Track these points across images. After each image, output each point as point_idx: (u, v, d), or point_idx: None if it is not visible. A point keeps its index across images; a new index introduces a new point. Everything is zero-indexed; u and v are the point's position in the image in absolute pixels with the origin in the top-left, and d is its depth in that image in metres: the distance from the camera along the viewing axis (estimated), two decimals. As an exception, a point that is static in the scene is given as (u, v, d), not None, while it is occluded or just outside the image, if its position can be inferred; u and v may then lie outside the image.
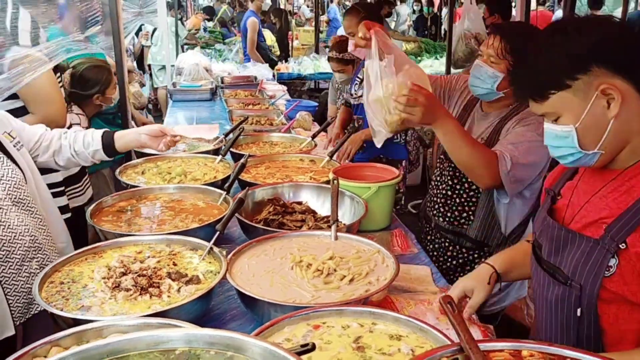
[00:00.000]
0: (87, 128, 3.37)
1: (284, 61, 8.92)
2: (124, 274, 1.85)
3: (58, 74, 3.38)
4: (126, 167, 3.02)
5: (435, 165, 2.90)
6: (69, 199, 3.11)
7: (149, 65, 9.79)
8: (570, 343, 1.53)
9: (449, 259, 2.71)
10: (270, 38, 9.57)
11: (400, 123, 2.23)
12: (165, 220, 2.37)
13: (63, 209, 2.84)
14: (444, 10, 10.63)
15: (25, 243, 2.10)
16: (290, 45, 11.69)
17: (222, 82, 6.55)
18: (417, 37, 10.72)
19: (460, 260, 2.68)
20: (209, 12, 13.19)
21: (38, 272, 2.06)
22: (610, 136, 1.44)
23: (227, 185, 2.55)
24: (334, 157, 3.16)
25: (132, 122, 4.65)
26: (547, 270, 1.63)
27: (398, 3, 14.87)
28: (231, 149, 3.26)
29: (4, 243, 2.04)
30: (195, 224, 2.29)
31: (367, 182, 2.57)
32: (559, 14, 9.29)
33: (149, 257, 1.99)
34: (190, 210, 2.47)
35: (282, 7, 15.06)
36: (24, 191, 2.16)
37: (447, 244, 2.72)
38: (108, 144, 2.41)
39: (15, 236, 2.07)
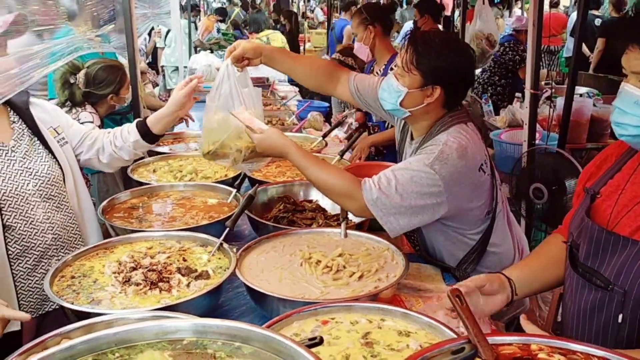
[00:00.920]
0: (99, 127, 3.40)
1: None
2: (134, 268, 1.86)
3: (73, 74, 3.44)
4: (138, 165, 3.05)
5: None
6: None
7: (162, 67, 9.85)
8: None
9: None
10: (281, 40, 9.58)
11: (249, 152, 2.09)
12: (175, 217, 2.38)
13: None
14: (456, 12, 10.60)
15: (46, 240, 2.13)
16: (303, 47, 11.72)
17: (234, 83, 6.55)
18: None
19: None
20: (222, 13, 13.23)
21: None
22: None
23: (237, 182, 2.56)
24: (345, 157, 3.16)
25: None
26: (582, 275, 1.55)
27: (405, 6, 14.80)
28: (242, 148, 3.27)
29: (24, 238, 2.07)
30: (206, 221, 2.30)
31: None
32: (574, 16, 9.23)
33: (159, 252, 2.00)
34: (201, 207, 2.49)
35: (294, 9, 15.10)
36: (59, 187, 2.19)
37: None
38: (145, 132, 2.39)
39: (37, 232, 2.10)
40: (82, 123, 3.05)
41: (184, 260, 1.95)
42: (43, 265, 2.12)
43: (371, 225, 2.39)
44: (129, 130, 2.40)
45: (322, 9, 19.83)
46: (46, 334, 1.42)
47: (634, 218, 1.45)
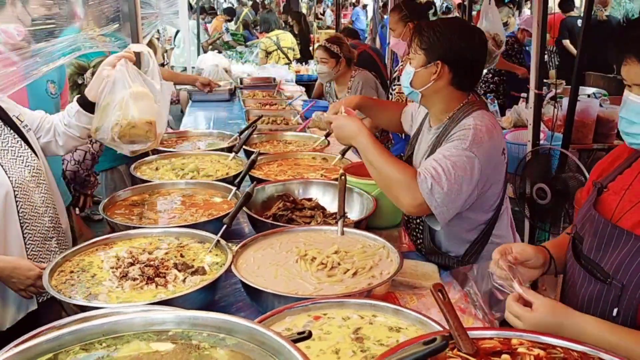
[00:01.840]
0: None
1: (303, 63, 8.96)
2: (132, 264, 1.89)
3: (80, 75, 3.48)
4: (141, 163, 3.08)
5: None
6: None
7: (172, 67, 9.92)
8: None
9: None
10: (290, 40, 9.61)
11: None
12: (175, 214, 2.41)
13: None
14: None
15: (45, 223, 2.25)
16: (312, 47, 11.73)
17: (241, 83, 6.61)
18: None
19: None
20: (230, 13, 13.26)
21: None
22: None
23: (237, 181, 2.58)
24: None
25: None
26: (584, 266, 1.58)
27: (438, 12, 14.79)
28: (245, 147, 3.30)
29: (31, 223, 2.18)
30: (205, 218, 2.32)
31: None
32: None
33: (157, 248, 2.02)
34: (201, 204, 2.51)
35: (303, 11, 15.13)
36: (43, 173, 2.29)
37: None
38: (84, 102, 2.39)
39: (38, 216, 2.21)
40: None
41: (182, 256, 1.97)
42: (47, 247, 2.24)
43: (369, 224, 2.42)
44: (71, 105, 2.43)
45: (332, 10, 19.85)
46: (41, 327, 1.44)
47: (636, 212, 1.47)
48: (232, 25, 13.21)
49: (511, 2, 12.58)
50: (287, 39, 9.53)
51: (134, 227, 2.19)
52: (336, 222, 2.19)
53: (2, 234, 2.09)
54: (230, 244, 2.01)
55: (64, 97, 3.07)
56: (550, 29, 9.60)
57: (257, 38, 11.94)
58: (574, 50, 8.23)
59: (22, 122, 2.30)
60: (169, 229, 2.16)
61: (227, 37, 11.04)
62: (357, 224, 2.28)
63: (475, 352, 1.05)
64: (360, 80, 4.56)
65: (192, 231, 2.13)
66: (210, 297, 1.86)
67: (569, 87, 4.58)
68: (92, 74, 3.47)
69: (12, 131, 2.23)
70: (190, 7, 10.63)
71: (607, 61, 6.44)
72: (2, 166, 2.12)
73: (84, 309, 1.59)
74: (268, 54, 9.22)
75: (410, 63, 2.23)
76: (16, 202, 2.12)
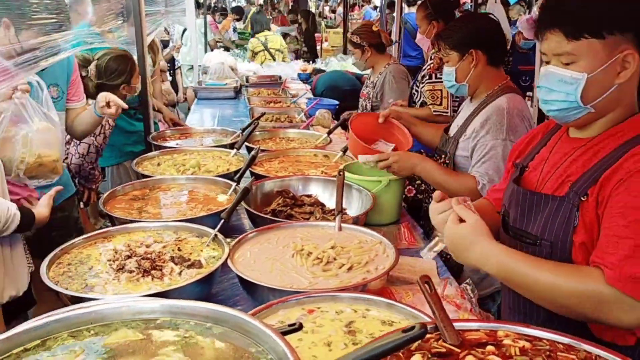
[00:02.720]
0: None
1: (310, 62, 8.96)
2: (129, 257, 1.90)
3: (84, 67, 3.50)
4: (143, 158, 3.10)
5: None
6: None
7: (179, 66, 9.95)
8: None
9: None
10: (279, 43, 9.62)
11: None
12: (174, 209, 2.42)
13: None
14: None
15: None
16: (320, 47, 11.74)
17: (247, 81, 6.63)
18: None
19: None
20: (238, 12, 13.29)
21: None
22: (606, 99, 1.48)
23: (237, 176, 2.59)
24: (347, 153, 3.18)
25: (160, 116, 4.76)
26: (513, 236, 1.68)
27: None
28: (247, 144, 3.31)
29: None
30: (203, 213, 2.33)
31: (377, 176, 2.58)
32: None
33: (155, 242, 2.04)
34: (201, 200, 2.52)
35: (311, 9, 15.14)
36: None
37: None
38: None
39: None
40: None
41: (179, 250, 1.98)
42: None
43: (369, 221, 2.42)
44: None
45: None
46: (35, 318, 1.45)
47: (555, 179, 1.60)
48: (240, 25, 13.24)
49: (522, 0, 12.54)
50: (276, 41, 9.56)
51: (133, 221, 2.20)
52: (334, 218, 2.19)
53: None
54: (228, 239, 2.02)
55: (72, 88, 3.03)
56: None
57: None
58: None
59: None
60: (168, 223, 2.18)
61: (234, 37, 11.07)
62: (355, 220, 2.28)
63: (460, 343, 1.05)
64: (391, 72, 4.45)
65: (190, 225, 2.14)
66: (206, 290, 1.86)
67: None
68: (96, 66, 3.50)
69: None
70: (198, 5, 10.66)
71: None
72: None
73: (78, 300, 1.61)
74: (255, 54, 9.28)
75: (445, 65, 2.59)
76: None
